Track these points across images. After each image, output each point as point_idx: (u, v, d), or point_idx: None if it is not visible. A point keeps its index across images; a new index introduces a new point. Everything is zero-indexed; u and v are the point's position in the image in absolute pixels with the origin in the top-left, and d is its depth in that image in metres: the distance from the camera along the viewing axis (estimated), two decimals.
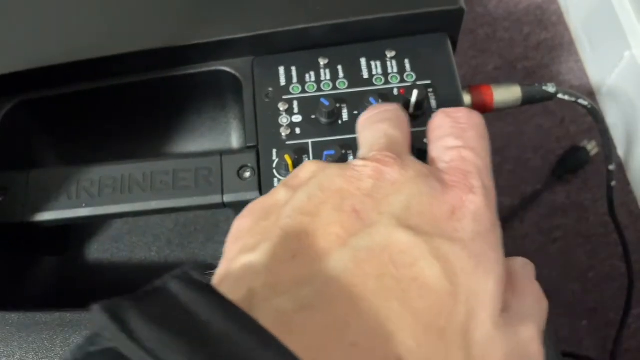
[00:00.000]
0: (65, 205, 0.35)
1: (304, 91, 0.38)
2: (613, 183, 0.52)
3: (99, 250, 0.41)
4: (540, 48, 0.93)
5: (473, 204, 0.22)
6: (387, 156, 0.23)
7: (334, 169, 0.23)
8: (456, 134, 0.25)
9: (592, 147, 0.82)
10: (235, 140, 0.43)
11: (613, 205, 0.55)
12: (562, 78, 0.91)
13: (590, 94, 0.88)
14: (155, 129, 0.42)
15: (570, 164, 0.82)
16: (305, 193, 0.22)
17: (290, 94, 0.38)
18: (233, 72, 0.38)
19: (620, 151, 0.83)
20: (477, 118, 0.26)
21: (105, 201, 0.34)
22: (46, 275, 0.40)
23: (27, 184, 0.35)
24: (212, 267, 0.22)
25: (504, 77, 0.91)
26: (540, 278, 0.24)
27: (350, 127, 0.37)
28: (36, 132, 0.40)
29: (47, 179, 0.35)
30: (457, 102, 0.37)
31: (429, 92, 0.37)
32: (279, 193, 0.24)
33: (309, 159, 0.36)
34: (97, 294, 0.39)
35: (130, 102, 0.40)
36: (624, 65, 0.79)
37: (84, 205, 0.34)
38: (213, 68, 0.38)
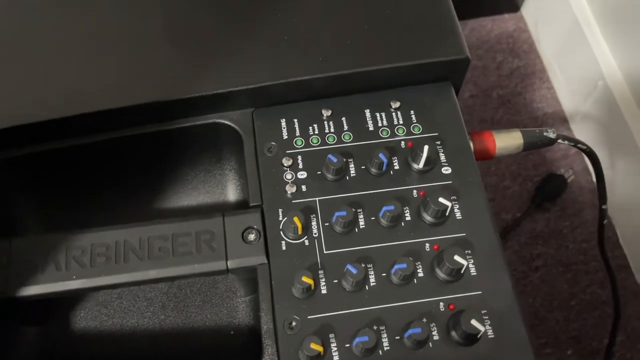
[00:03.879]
0: (53, 277, 0.31)
1: (308, 144, 0.36)
2: (605, 221, 0.53)
3: (85, 317, 0.37)
4: (513, 76, 0.94)
5: None
6: None
7: None
8: None
9: (568, 175, 0.83)
10: (231, 193, 0.40)
11: (604, 242, 0.55)
12: (535, 105, 0.92)
13: (564, 121, 0.90)
14: (146, 183, 0.39)
15: (548, 191, 0.83)
16: None
17: (294, 147, 0.36)
18: (232, 125, 0.36)
19: (595, 179, 0.84)
20: None
21: (98, 272, 0.32)
22: (25, 349, 0.36)
23: (9, 254, 0.32)
24: None
25: (480, 105, 0.91)
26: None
27: (358, 183, 0.35)
28: (17, 193, 0.36)
29: (32, 247, 0.32)
30: (466, 153, 0.36)
31: (437, 144, 0.36)
32: None
33: (317, 219, 0.34)
34: None
35: (121, 157, 0.37)
36: (597, 94, 0.81)
37: (74, 277, 0.31)
38: (211, 121, 0.36)
